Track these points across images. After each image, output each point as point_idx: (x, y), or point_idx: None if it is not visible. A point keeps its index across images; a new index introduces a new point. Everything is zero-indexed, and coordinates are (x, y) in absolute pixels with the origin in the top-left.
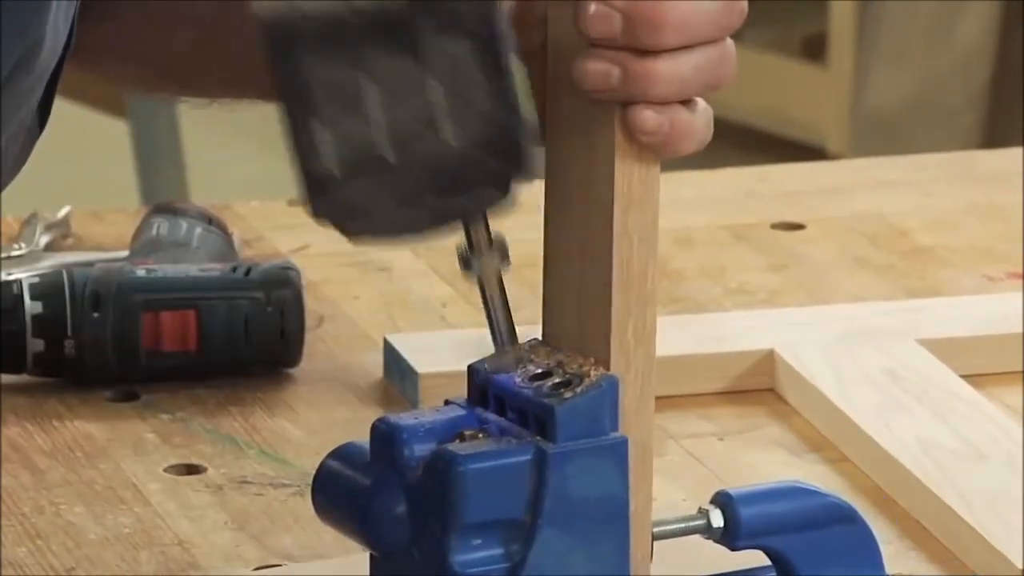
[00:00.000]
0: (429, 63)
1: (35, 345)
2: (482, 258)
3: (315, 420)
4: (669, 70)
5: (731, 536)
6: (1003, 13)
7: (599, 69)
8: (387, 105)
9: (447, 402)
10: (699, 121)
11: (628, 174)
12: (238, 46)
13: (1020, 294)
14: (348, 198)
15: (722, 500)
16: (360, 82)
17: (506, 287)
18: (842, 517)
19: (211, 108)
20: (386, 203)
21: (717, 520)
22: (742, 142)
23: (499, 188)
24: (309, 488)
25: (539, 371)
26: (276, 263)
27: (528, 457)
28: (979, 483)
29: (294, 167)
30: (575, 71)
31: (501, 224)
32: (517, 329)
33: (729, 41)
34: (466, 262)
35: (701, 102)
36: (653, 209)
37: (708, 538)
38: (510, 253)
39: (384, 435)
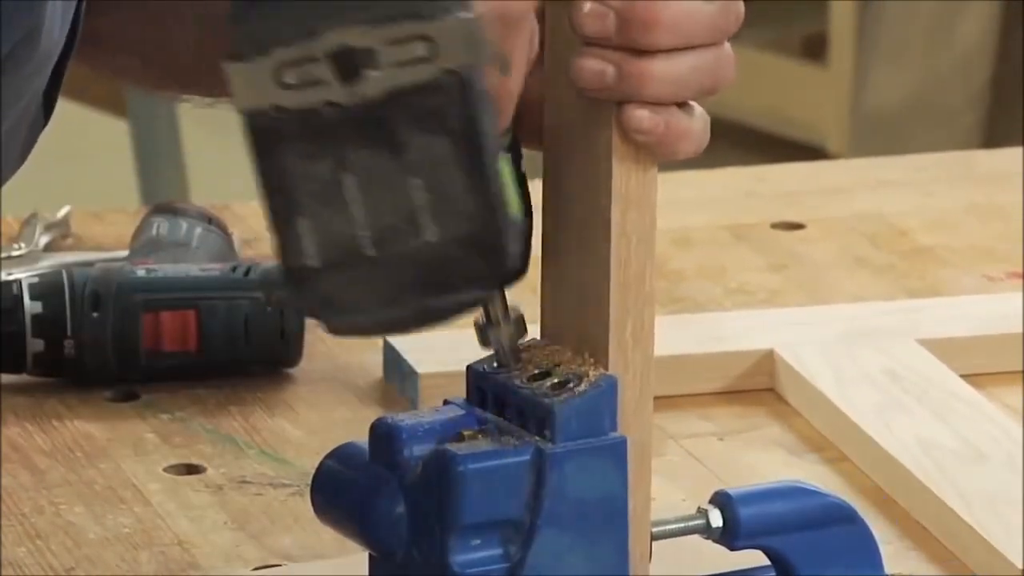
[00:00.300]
0: (410, 161)
1: (35, 345)
2: (499, 331)
3: (315, 420)
4: (664, 70)
5: (730, 536)
6: (1003, 13)
7: (594, 67)
8: (368, 202)
9: (446, 402)
10: (696, 125)
11: (625, 175)
12: None
13: (1020, 294)
14: (329, 293)
15: (721, 500)
16: (341, 178)
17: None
18: (842, 517)
19: (211, 108)
20: (368, 300)
21: (716, 520)
22: (742, 142)
23: (482, 288)
24: (309, 488)
25: (538, 371)
26: (276, 263)
27: (527, 457)
28: (979, 483)
29: (276, 260)
30: (570, 69)
31: None
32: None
33: (727, 45)
34: (484, 336)
35: (698, 107)
36: (651, 209)
37: (707, 538)
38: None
39: (383, 435)
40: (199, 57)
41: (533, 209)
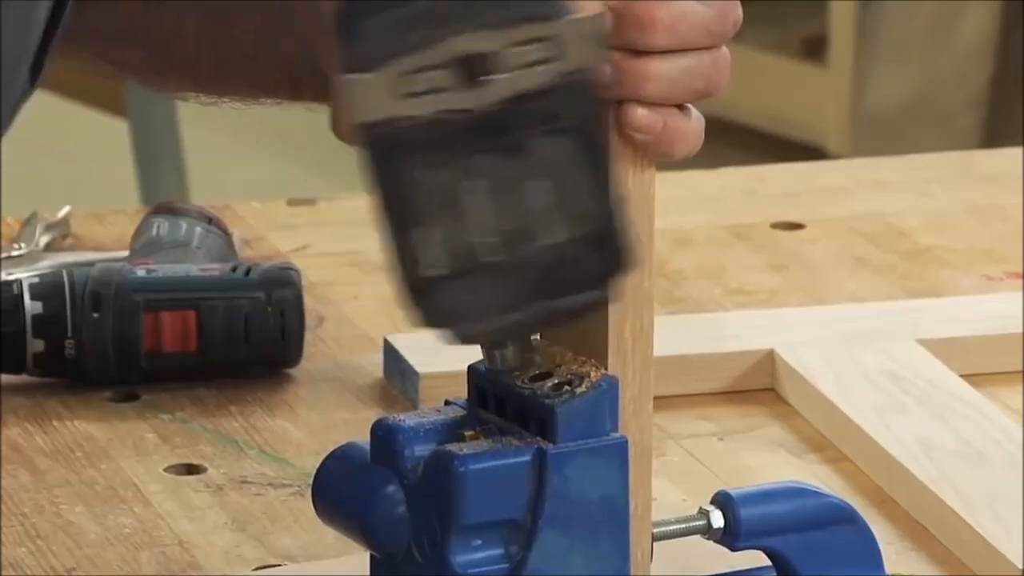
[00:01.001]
0: (532, 163)
1: (35, 345)
2: (505, 351)
3: (315, 420)
4: (660, 70)
5: (731, 536)
6: (1003, 13)
7: None
8: (493, 207)
9: (447, 402)
10: (692, 126)
11: (623, 174)
12: (245, 36)
13: (1020, 294)
14: (450, 302)
15: (722, 500)
16: (463, 185)
17: None
18: (842, 517)
19: (212, 108)
20: (489, 306)
21: (717, 520)
22: (742, 142)
23: (601, 289)
24: (309, 488)
25: (539, 371)
26: (276, 263)
27: (528, 458)
28: (979, 483)
29: (394, 273)
30: None
31: None
32: None
33: (724, 48)
34: (490, 356)
35: (694, 110)
36: (649, 209)
37: (708, 538)
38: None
39: (384, 436)
40: (199, 48)
41: None
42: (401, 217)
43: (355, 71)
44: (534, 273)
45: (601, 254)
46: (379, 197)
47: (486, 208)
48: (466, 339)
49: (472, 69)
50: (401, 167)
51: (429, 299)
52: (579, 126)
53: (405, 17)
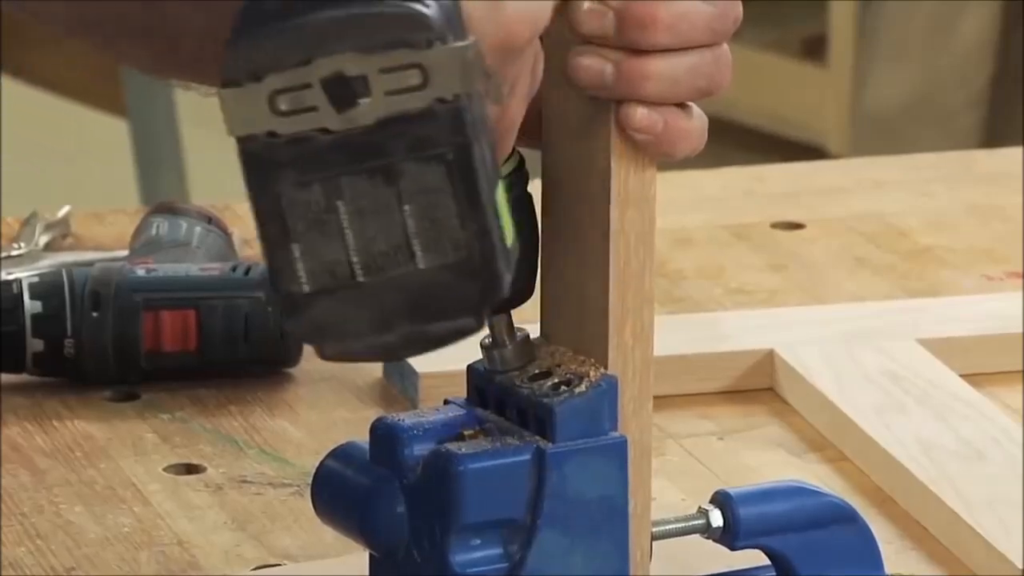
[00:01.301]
0: (402, 188)
1: (35, 345)
2: (505, 352)
3: (315, 420)
4: (661, 70)
5: (730, 536)
6: (1003, 13)
7: (592, 65)
8: (359, 228)
9: (446, 402)
10: (694, 125)
11: (624, 173)
12: None
13: (1020, 294)
14: (320, 318)
15: (721, 500)
16: (333, 205)
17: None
18: (842, 517)
19: (212, 108)
20: (358, 326)
21: (716, 520)
22: (742, 142)
23: (474, 315)
24: (309, 488)
25: (538, 371)
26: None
27: (527, 457)
28: (979, 483)
29: (271, 286)
30: (569, 66)
31: None
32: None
33: (725, 47)
34: (490, 356)
35: (696, 109)
36: (650, 208)
37: (707, 538)
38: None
39: (384, 435)
40: (202, 44)
41: (539, 230)
42: (273, 232)
43: (229, 85)
44: (402, 297)
45: (470, 283)
46: (254, 210)
47: (355, 229)
48: (335, 356)
49: (341, 91)
50: (272, 182)
51: (301, 314)
52: (449, 154)
53: (279, 35)
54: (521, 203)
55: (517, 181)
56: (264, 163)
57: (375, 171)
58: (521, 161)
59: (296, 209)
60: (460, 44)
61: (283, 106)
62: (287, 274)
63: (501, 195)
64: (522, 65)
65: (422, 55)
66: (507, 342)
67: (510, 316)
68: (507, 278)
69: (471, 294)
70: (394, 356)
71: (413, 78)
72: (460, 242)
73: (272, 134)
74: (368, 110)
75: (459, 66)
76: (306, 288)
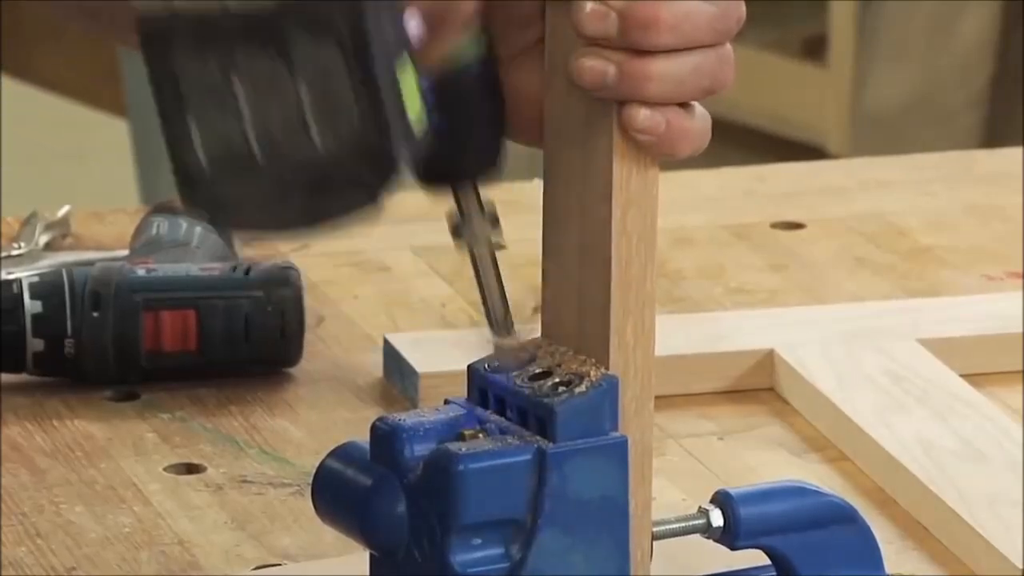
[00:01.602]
0: (298, 66)
1: (35, 345)
2: (472, 225)
3: (315, 420)
4: (664, 70)
5: (731, 535)
6: (1003, 13)
7: (595, 66)
8: (257, 105)
9: (447, 402)
10: (696, 125)
11: (626, 174)
12: None
13: (1020, 294)
14: (218, 193)
15: (722, 499)
16: (231, 81)
17: (504, 279)
18: (842, 517)
19: None
20: (255, 200)
21: (717, 519)
22: (742, 142)
23: (368, 193)
24: (309, 488)
25: (539, 371)
26: (276, 263)
27: (528, 457)
28: (979, 483)
29: (169, 160)
30: (571, 67)
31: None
32: (513, 316)
33: (727, 46)
34: (456, 230)
35: (699, 108)
36: (652, 209)
37: (708, 537)
38: (501, 222)
39: (384, 435)
40: None
41: (503, 97)
42: (169, 105)
43: None
44: (299, 174)
45: (364, 161)
46: (153, 87)
47: (250, 106)
48: (233, 227)
49: None
50: (171, 58)
51: (196, 188)
52: (345, 32)
53: None
54: (485, 80)
55: (483, 64)
56: (163, 39)
57: (271, 48)
58: (489, 45)
59: (193, 85)
60: None
61: None
62: (183, 145)
63: (409, 75)
64: None
65: None
66: (477, 213)
67: (477, 187)
68: (404, 157)
69: (365, 172)
70: (294, 232)
71: None
72: (351, 120)
73: (171, 10)
74: None
75: None
76: (202, 161)
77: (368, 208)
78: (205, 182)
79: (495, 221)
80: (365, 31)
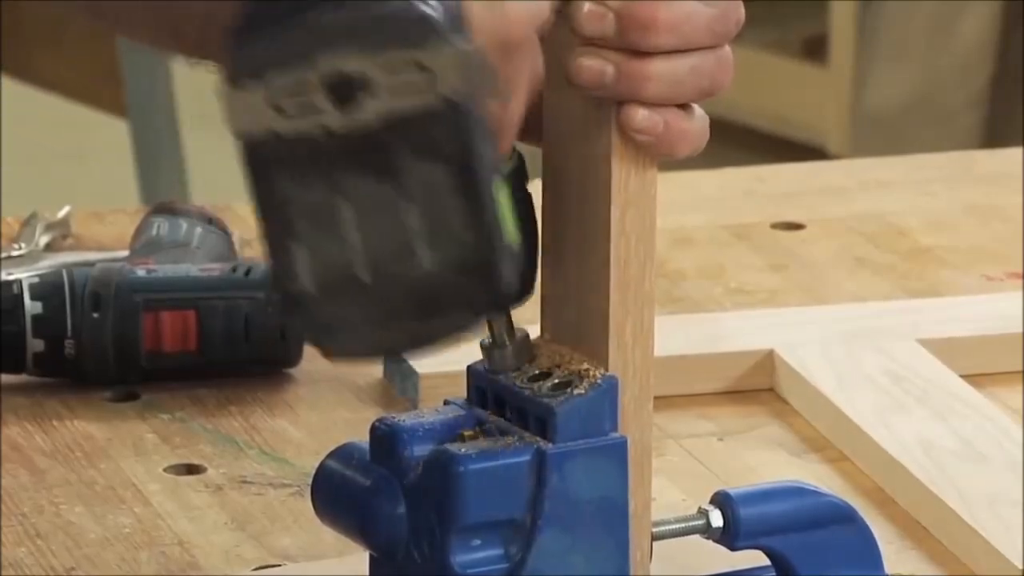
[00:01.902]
0: (404, 187)
1: (35, 345)
2: (504, 352)
3: (315, 420)
4: (662, 71)
5: (730, 536)
6: (1003, 13)
7: (593, 66)
8: (363, 227)
9: (447, 402)
10: (695, 125)
11: (625, 174)
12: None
13: (1020, 294)
14: (324, 318)
15: (721, 500)
16: (336, 204)
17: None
18: (842, 517)
19: (212, 108)
20: (362, 324)
21: (717, 520)
22: (742, 142)
23: (475, 313)
24: (309, 488)
25: (539, 371)
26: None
27: (528, 457)
28: (979, 484)
29: (272, 285)
30: (569, 67)
31: None
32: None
33: (726, 48)
34: (489, 356)
35: (698, 109)
36: (651, 209)
37: (708, 538)
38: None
39: (384, 435)
40: (204, 29)
41: (539, 230)
42: (277, 231)
43: (231, 84)
44: (405, 295)
45: (473, 282)
46: (256, 209)
47: (358, 228)
48: (339, 355)
49: (344, 90)
50: (275, 181)
51: (304, 314)
52: (454, 154)
53: (282, 33)
54: (521, 202)
55: (517, 180)
56: (266, 162)
57: (377, 170)
58: (521, 160)
59: (298, 209)
60: (463, 43)
61: (285, 105)
62: (289, 274)
63: (503, 193)
64: (521, 63)
65: (425, 54)
66: (507, 342)
67: (510, 315)
68: (509, 275)
69: (474, 292)
70: (396, 355)
71: (416, 77)
72: (461, 240)
73: (274, 133)
74: (370, 109)
75: (462, 65)
76: (308, 288)
77: (471, 327)
78: (311, 307)
79: (527, 349)
80: (472, 148)
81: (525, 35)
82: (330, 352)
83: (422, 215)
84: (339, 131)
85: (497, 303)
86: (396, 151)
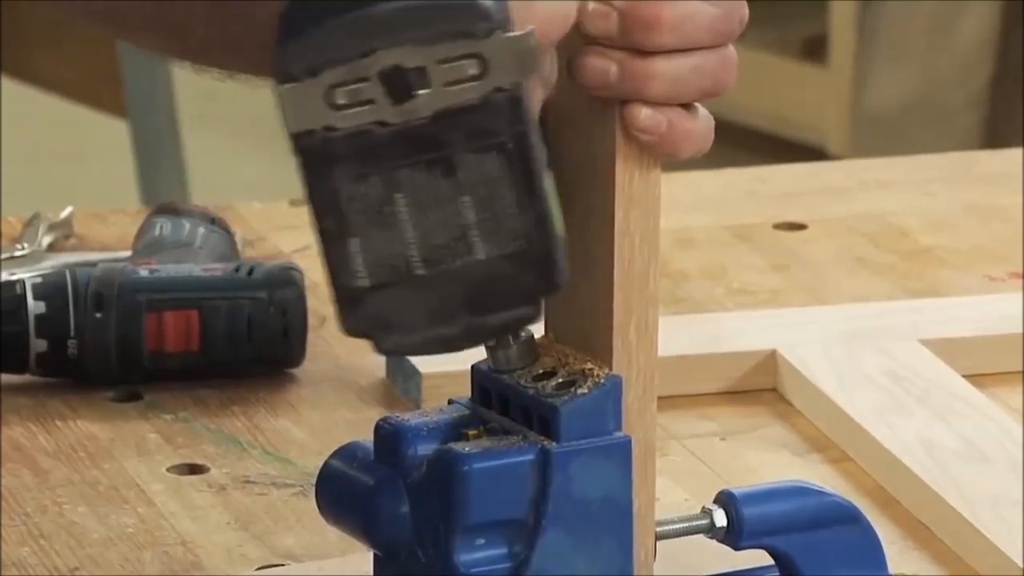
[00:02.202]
0: (461, 179)
1: (38, 345)
2: (510, 352)
3: (318, 420)
4: (666, 70)
5: (734, 536)
6: (1003, 13)
7: (597, 65)
8: (418, 221)
9: (450, 401)
10: (699, 126)
11: (629, 174)
12: (259, 24)
13: (1021, 294)
14: (379, 312)
15: (725, 500)
16: (392, 198)
17: None
18: (845, 517)
19: (211, 108)
20: (417, 319)
21: (720, 520)
22: (743, 142)
23: (531, 305)
24: (312, 488)
25: (543, 370)
26: (279, 263)
27: (531, 457)
28: (982, 483)
29: (327, 280)
30: (573, 66)
31: None
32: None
33: (730, 48)
34: (494, 356)
35: (702, 109)
36: (654, 209)
37: (711, 538)
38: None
39: (387, 435)
40: (208, 33)
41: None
42: (331, 226)
43: (285, 80)
44: (461, 288)
45: (529, 272)
46: (311, 205)
47: (414, 222)
48: (394, 350)
49: (399, 83)
50: (330, 177)
51: (358, 308)
52: (508, 143)
53: (335, 29)
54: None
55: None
56: (321, 158)
57: (433, 163)
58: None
59: (354, 203)
60: (517, 33)
61: (340, 100)
62: (345, 269)
63: (551, 184)
64: (542, 63)
65: (481, 45)
66: (511, 341)
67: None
68: (564, 265)
69: (530, 283)
70: (451, 348)
71: (471, 68)
72: (519, 231)
73: (330, 128)
74: (426, 102)
75: (517, 55)
76: (365, 282)
77: (529, 319)
78: (368, 303)
79: (532, 350)
80: (527, 138)
81: (554, 35)
82: (382, 346)
83: (477, 207)
84: (395, 124)
85: (552, 294)
86: (451, 142)
